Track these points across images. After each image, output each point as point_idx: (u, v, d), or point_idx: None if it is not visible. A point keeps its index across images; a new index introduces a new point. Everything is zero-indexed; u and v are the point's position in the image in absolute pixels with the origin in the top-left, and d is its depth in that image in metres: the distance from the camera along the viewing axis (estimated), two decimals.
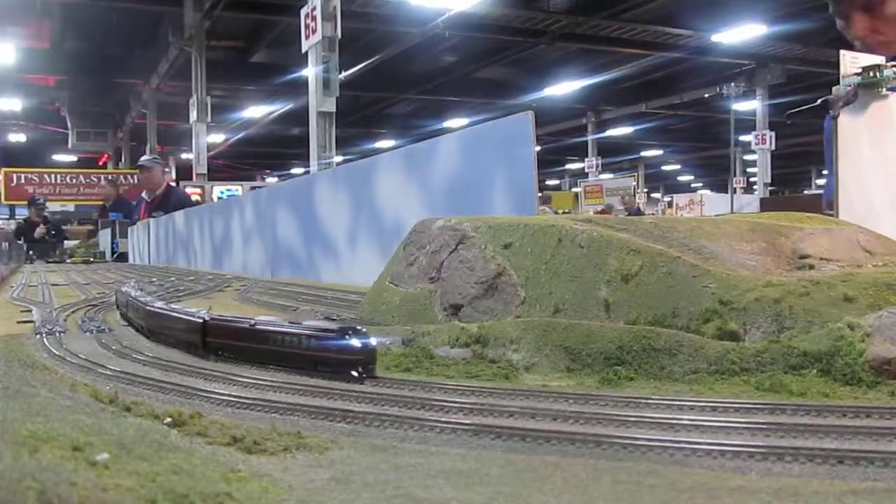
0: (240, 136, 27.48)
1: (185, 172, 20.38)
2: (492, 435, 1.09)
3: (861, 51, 3.47)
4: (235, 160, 31.83)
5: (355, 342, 1.48)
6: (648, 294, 1.56)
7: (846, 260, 1.66)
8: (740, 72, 21.38)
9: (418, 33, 16.54)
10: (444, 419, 1.17)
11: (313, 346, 1.53)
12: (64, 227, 15.14)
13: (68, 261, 10.33)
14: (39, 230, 13.52)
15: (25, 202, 19.13)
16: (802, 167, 37.15)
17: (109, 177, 19.72)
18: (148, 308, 2.18)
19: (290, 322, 1.66)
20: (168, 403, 1.34)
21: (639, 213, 17.17)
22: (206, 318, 1.81)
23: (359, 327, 1.54)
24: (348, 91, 16.38)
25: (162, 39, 17.66)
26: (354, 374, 1.47)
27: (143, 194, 11.82)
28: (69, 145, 24.55)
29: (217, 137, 26.02)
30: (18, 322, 2.69)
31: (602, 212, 15.62)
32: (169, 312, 2.04)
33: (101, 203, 16.54)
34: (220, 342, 1.77)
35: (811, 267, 1.63)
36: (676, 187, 39.62)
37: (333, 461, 0.96)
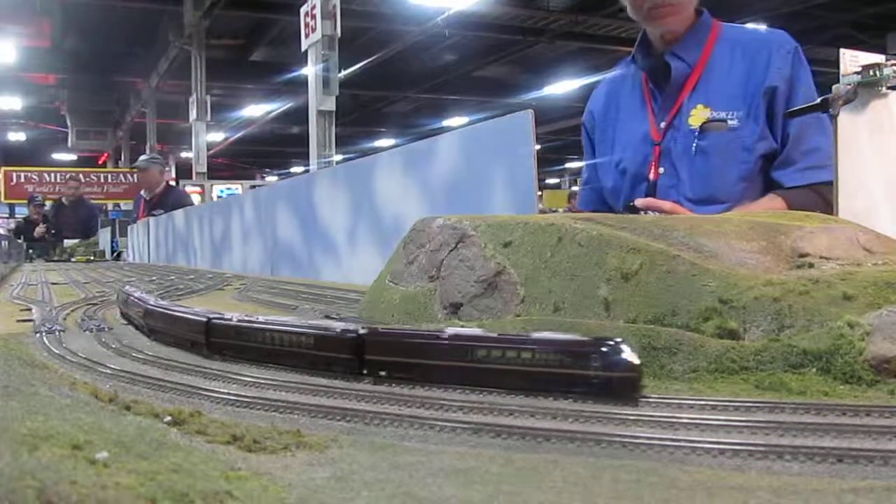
0: (239, 134, 27.49)
1: (184, 171, 20.38)
2: (491, 433, 1.09)
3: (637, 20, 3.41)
4: (235, 159, 31.84)
5: (627, 356, 1.23)
6: (648, 293, 1.56)
7: (846, 258, 1.66)
8: None
9: (418, 32, 16.55)
10: (443, 417, 1.17)
11: (567, 362, 1.27)
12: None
13: (73, 260, 10.35)
14: (39, 229, 13.50)
15: (25, 201, 19.12)
16: None
17: (69, 175, 19.29)
18: (223, 323, 1.78)
19: (510, 334, 1.39)
20: (168, 402, 1.34)
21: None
22: (365, 331, 1.50)
23: (616, 338, 1.28)
24: (348, 90, 16.39)
25: (161, 38, 17.68)
26: (620, 395, 1.22)
27: (142, 192, 11.83)
28: (69, 144, 24.56)
29: (217, 136, 26.04)
30: (18, 321, 2.69)
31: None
32: (281, 327, 1.64)
33: (57, 200, 16.08)
34: (391, 360, 1.45)
35: (811, 265, 1.63)
36: None
37: (333, 459, 0.97)
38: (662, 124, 3.31)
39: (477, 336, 1.38)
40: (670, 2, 3.26)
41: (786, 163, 3.12)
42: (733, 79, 3.20)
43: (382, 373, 1.46)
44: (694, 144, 3.20)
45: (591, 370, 1.25)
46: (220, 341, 1.80)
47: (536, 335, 1.34)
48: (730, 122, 3.16)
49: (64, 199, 14.81)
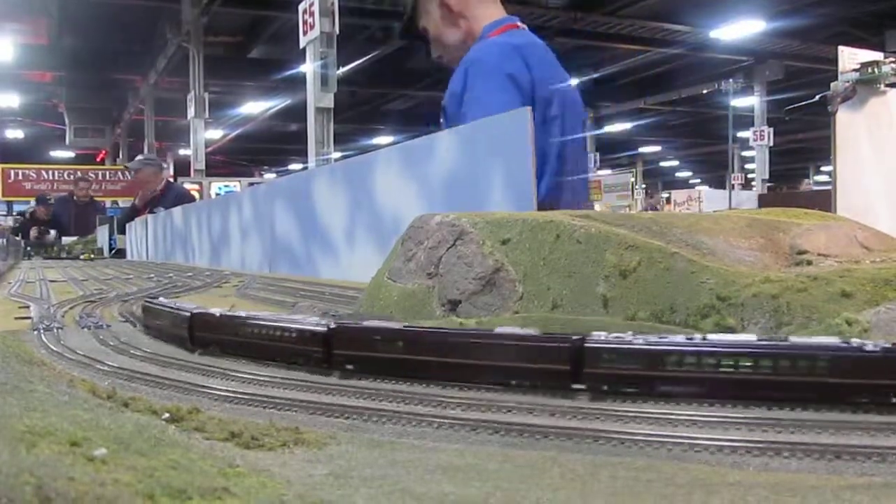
0: (238, 132, 27.45)
1: (183, 168, 20.36)
2: (489, 430, 1.09)
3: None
4: (233, 156, 31.80)
5: None
6: (646, 289, 1.56)
7: (844, 256, 1.66)
8: (739, 68, 21.40)
9: None
10: (441, 414, 1.17)
11: None
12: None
13: (81, 257, 10.35)
14: (33, 231, 13.48)
15: (23, 199, 19.09)
16: (800, 163, 37.22)
17: (78, 174, 19.08)
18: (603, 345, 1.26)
19: None
20: (166, 399, 1.34)
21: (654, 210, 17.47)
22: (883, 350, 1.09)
23: None
24: (346, 87, 16.36)
25: (159, 35, 17.64)
26: None
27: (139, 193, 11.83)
28: (67, 141, 24.51)
29: (215, 133, 26.00)
30: (16, 318, 2.69)
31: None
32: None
33: (67, 195, 15.98)
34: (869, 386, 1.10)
35: (809, 263, 1.63)
36: (675, 183, 39.67)
37: (332, 456, 0.97)
38: None
39: None
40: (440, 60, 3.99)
41: None
42: None
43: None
44: None
45: None
46: (592, 368, 1.27)
47: None
48: None
49: (76, 199, 14.84)
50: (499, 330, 1.39)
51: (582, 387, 1.26)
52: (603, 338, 1.27)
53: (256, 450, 0.98)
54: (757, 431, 1.03)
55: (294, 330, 1.60)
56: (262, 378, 1.50)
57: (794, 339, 1.19)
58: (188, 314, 1.86)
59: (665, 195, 23.51)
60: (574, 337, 1.28)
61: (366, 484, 0.83)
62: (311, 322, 1.62)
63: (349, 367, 1.50)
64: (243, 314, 1.79)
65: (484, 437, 1.08)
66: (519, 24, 4.01)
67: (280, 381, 1.47)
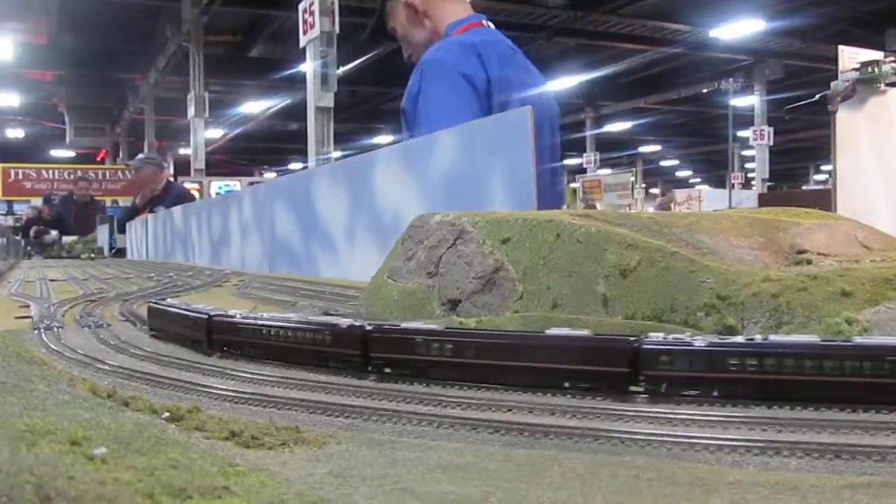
0: (238, 131, 27.44)
1: (183, 168, 20.37)
2: (490, 429, 1.09)
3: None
4: (233, 155, 31.79)
5: None
6: (646, 289, 1.56)
7: (844, 255, 1.66)
8: (739, 67, 21.39)
9: None
10: (441, 413, 1.17)
11: None
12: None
13: (81, 257, 10.38)
14: (32, 231, 13.49)
15: (23, 198, 19.09)
16: (800, 163, 37.24)
17: (79, 173, 19.12)
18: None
19: None
20: (166, 398, 1.34)
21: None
22: None
23: None
24: (346, 86, 16.34)
25: (159, 35, 17.64)
26: None
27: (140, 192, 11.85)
28: (67, 140, 24.50)
29: (215, 133, 25.98)
30: (16, 317, 2.69)
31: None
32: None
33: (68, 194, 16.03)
34: None
35: (809, 262, 1.63)
36: (675, 183, 39.64)
37: (332, 455, 0.97)
38: None
39: None
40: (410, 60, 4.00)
41: None
42: None
43: None
44: None
45: None
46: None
47: None
48: None
49: (76, 198, 14.83)
50: (551, 331, 1.35)
51: (639, 389, 1.23)
52: (661, 339, 1.24)
53: (256, 449, 0.98)
54: (757, 430, 1.03)
55: (328, 332, 1.55)
56: (263, 377, 1.50)
57: (857, 339, 1.16)
58: (206, 316, 1.82)
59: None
60: (631, 338, 1.25)
61: (365, 483, 0.83)
62: (346, 324, 1.57)
63: (387, 370, 1.45)
64: (267, 316, 1.74)
65: (484, 436, 1.08)
66: (484, 21, 4.00)
67: (280, 380, 1.47)
